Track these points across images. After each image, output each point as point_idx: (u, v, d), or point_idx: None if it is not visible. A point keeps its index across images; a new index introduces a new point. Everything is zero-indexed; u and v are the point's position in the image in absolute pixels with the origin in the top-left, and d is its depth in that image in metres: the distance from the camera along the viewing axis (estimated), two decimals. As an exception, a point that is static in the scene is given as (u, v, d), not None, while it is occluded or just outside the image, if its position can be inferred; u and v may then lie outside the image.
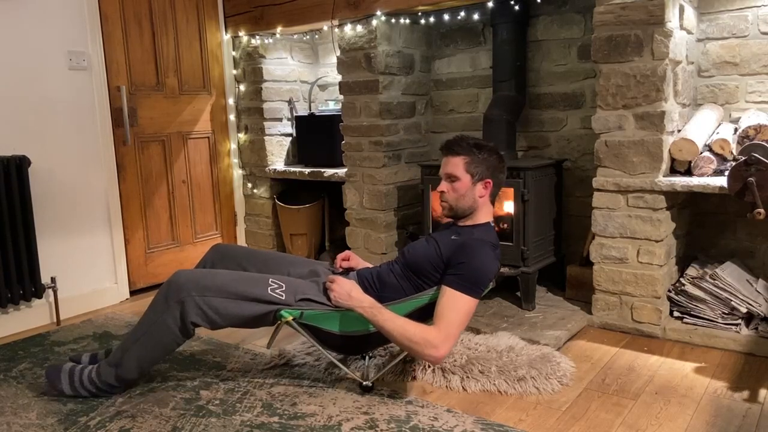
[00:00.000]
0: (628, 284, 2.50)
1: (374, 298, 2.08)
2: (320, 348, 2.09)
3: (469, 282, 1.90)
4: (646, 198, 2.42)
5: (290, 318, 1.96)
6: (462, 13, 3.18)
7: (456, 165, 2.06)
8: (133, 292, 3.33)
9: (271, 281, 2.01)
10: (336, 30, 3.33)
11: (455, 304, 1.88)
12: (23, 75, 2.81)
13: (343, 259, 2.33)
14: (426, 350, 1.84)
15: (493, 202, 2.16)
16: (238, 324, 1.99)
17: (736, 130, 2.39)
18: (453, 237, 2.06)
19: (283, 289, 2.00)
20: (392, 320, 1.89)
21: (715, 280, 2.40)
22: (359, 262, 2.35)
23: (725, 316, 2.38)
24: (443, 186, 2.10)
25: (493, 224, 2.16)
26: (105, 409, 1.98)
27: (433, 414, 1.90)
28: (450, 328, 1.86)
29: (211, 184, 3.76)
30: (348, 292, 1.94)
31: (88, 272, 3.12)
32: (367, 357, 2.26)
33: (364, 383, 2.06)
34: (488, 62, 3.22)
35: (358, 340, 2.05)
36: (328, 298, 2.02)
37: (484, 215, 2.12)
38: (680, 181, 2.33)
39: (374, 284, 2.13)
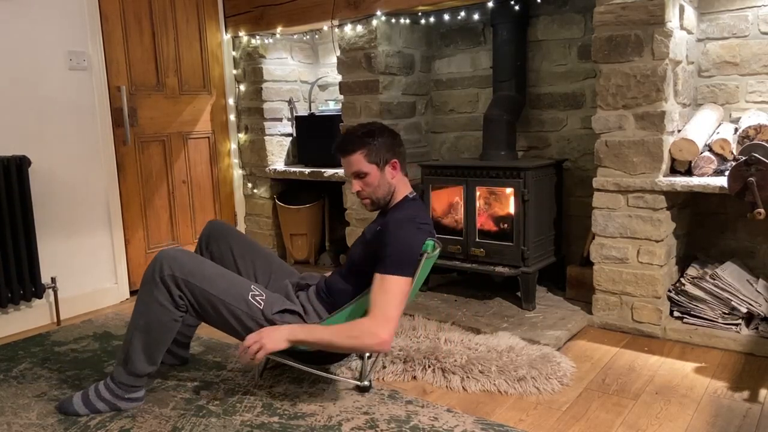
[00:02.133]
0: (629, 284, 2.50)
1: (327, 307, 2.06)
2: (302, 367, 2.03)
3: (394, 263, 1.87)
4: (646, 198, 2.42)
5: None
6: (462, 13, 3.18)
7: (358, 161, 2.00)
8: (133, 292, 3.32)
9: (253, 287, 1.98)
10: (336, 30, 3.33)
11: (385, 287, 1.85)
12: (23, 75, 2.81)
13: None
14: (368, 340, 1.81)
15: (405, 174, 2.12)
16: (216, 321, 1.94)
17: (736, 130, 2.39)
18: (378, 228, 2.03)
19: (263, 297, 1.97)
20: (324, 329, 1.87)
21: (715, 280, 2.40)
22: None
23: (725, 316, 2.38)
24: (356, 186, 2.04)
25: (412, 195, 2.11)
26: (105, 409, 1.98)
27: (433, 414, 1.90)
28: (386, 311, 1.83)
29: (212, 184, 3.76)
30: (263, 334, 1.85)
31: (89, 272, 3.12)
32: (366, 357, 2.26)
33: (361, 384, 2.06)
34: (488, 62, 3.22)
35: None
36: (300, 316, 2.01)
37: (401, 192, 2.08)
38: (680, 181, 2.33)
39: (324, 293, 2.10)
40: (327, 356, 2.09)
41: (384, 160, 2.02)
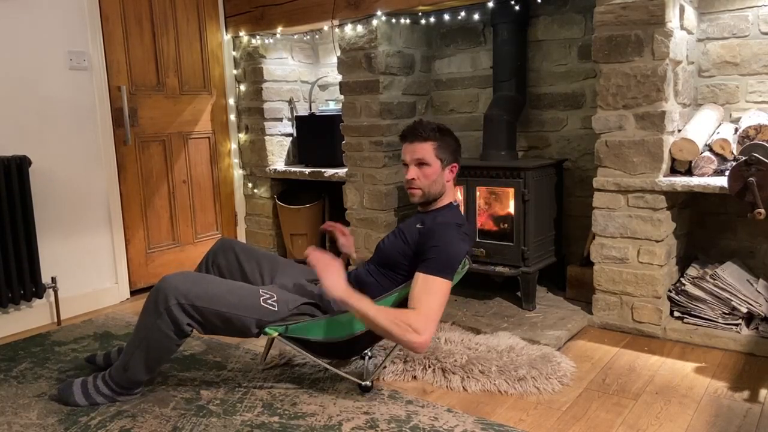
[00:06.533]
0: (629, 284, 2.50)
1: None
2: (310, 357, 2.06)
3: (440, 265, 1.88)
4: (646, 198, 2.42)
5: (276, 334, 1.96)
6: (462, 13, 3.18)
7: (426, 150, 2.04)
8: (133, 292, 3.33)
9: (262, 291, 2.00)
10: (336, 30, 3.33)
11: (429, 287, 1.87)
12: (24, 75, 2.81)
13: (342, 233, 2.35)
14: (408, 335, 1.80)
15: (455, 184, 2.18)
16: (228, 333, 1.96)
17: (736, 130, 2.39)
18: (418, 225, 2.06)
19: (275, 299, 1.98)
20: (372, 304, 1.88)
21: (715, 280, 2.40)
22: (350, 243, 2.39)
23: (726, 316, 2.38)
24: (412, 173, 2.06)
25: (456, 203, 2.15)
26: (105, 409, 1.98)
27: (433, 414, 1.90)
28: (429, 311, 1.84)
29: (212, 184, 3.76)
30: (327, 274, 1.87)
31: (89, 272, 3.12)
32: (366, 357, 2.26)
33: (363, 383, 2.06)
34: (488, 62, 3.22)
35: (344, 345, 2.04)
36: (317, 306, 2.04)
37: (448, 197, 2.12)
38: (681, 181, 2.33)
39: (354, 287, 2.11)
40: (339, 352, 2.10)
41: (448, 160, 2.07)
